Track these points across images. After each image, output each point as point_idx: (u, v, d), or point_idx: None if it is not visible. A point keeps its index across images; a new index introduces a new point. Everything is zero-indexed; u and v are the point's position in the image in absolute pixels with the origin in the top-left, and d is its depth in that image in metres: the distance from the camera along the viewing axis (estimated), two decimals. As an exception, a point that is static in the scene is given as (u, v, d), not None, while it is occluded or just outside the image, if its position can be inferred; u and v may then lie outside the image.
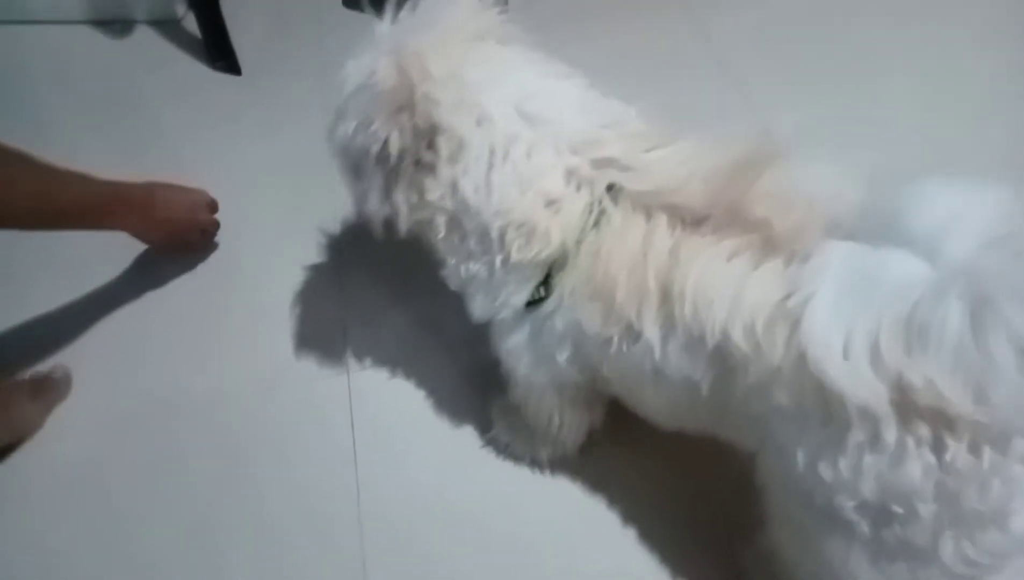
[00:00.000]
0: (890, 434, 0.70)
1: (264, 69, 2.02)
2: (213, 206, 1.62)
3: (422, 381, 1.41)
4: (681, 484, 1.22)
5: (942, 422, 0.69)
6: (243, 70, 2.02)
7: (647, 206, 0.87)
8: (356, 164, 0.98)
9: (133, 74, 2.06)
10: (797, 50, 1.87)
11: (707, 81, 1.84)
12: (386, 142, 0.92)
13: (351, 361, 1.45)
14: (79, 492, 1.34)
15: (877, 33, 1.88)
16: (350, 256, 1.58)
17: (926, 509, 0.72)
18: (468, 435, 1.34)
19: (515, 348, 1.03)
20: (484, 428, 1.33)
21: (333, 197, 1.32)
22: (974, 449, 0.69)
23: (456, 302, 1.07)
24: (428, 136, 0.92)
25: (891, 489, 0.73)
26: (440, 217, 0.96)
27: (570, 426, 1.18)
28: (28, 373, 1.45)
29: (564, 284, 0.92)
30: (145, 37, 2.15)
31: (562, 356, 0.98)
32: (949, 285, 0.66)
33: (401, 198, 0.97)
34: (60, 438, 1.41)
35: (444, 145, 0.92)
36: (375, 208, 0.99)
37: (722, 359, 0.82)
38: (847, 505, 0.76)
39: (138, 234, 1.51)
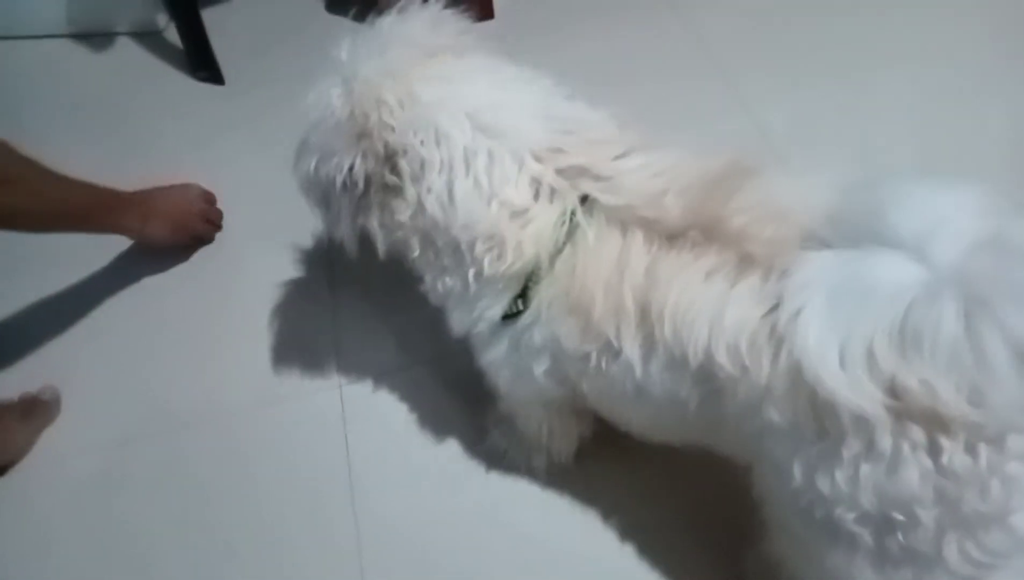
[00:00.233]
0: (885, 441, 0.69)
1: (247, 78, 2.01)
2: (209, 196, 1.64)
3: (416, 391, 1.40)
4: (680, 493, 1.21)
5: (936, 425, 0.68)
6: (226, 79, 2.02)
7: (622, 220, 0.87)
8: (323, 194, 0.99)
9: (116, 86, 2.06)
10: (788, 45, 1.87)
11: (697, 79, 1.84)
12: (351, 170, 0.93)
13: (344, 373, 1.44)
14: (71, 513, 1.33)
15: (868, 27, 1.88)
16: (340, 267, 1.57)
17: (927, 514, 0.71)
18: (464, 445, 1.33)
19: (494, 361, 1.03)
20: (480, 438, 1.32)
21: (318, 209, 1.31)
22: (970, 450, 0.68)
23: (444, 312, 1.06)
24: (390, 160, 0.93)
25: (890, 497, 0.72)
26: (413, 236, 0.97)
27: (560, 436, 1.18)
28: (17, 395, 1.43)
29: (541, 297, 0.92)
30: (127, 49, 2.15)
31: (540, 369, 0.98)
32: (942, 287, 0.65)
33: (374, 222, 0.98)
34: (52, 459, 1.40)
35: (406, 166, 0.92)
36: (346, 233, 1.00)
37: (707, 379, 0.81)
38: (848, 517, 0.75)
39: (142, 232, 1.52)
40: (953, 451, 0.68)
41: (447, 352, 1.37)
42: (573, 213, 0.89)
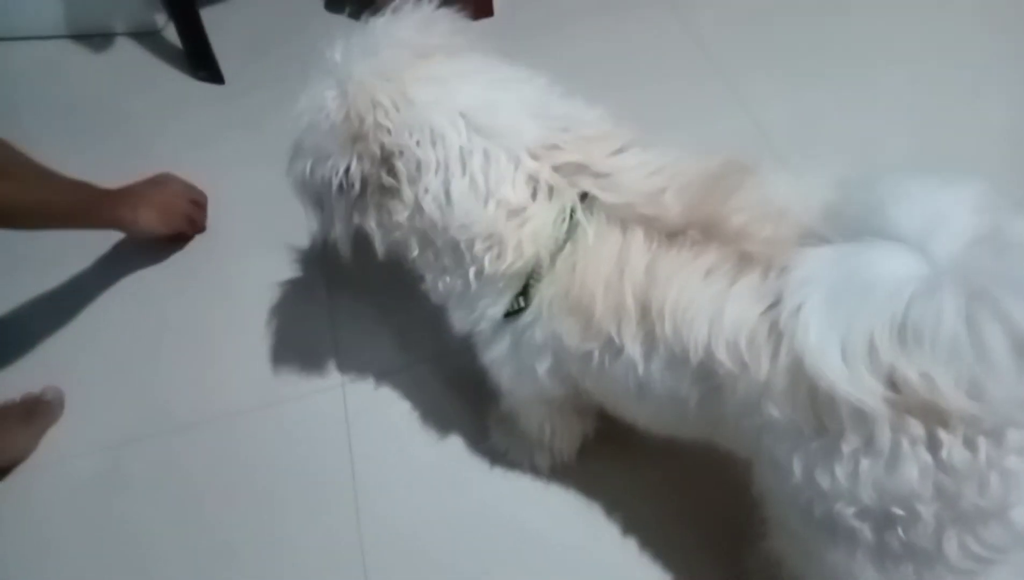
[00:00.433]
0: (884, 436, 0.69)
1: (247, 77, 2.01)
2: (186, 183, 1.68)
3: (418, 390, 1.40)
4: (682, 491, 1.21)
5: (936, 419, 0.68)
6: (226, 79, 2.02)
7: (622, 218, 0.87)
8: (317, 196, 0.99)
9: (115, 86, 2.06)
10: (787, 44, 1.87)
11: (696, 78, 1.84)
12: (347, 172, 0.93)
13: (345, 373, 1.44)
14: (75, 514, 1.33)
15: (866, 25, 1.88)
16: (339, 267, 1.57)
17: (926, 509, 0.71)
18: (466, 443, 1.33)
19: (496, 359, 1.04)
20: (482, 436, 1.32)
21: (318, 209, 1.31)
22: (969, 444, 0.68)
23: (445, 311, 1.07)
24: (386, 162, 0.93)
25: (890, 492, 0.72)
26: (411, 236, 0.97)
27: (562, 434, 1.19)
28: (19, 396, 1.43)
29: (542, 295, 0.92)
30: (126, 49, 2.15)
31: (542, 367, 0.98)
32: (943, 281, 0.65)
33: (372, 222, 0.98)
34: (54, 460, 1.40)
35: (403, 168, 0.92)
36: (341, 234, 1.00)
37: (707, 376, 0.81)
38: (847, 513, 0.76)
39: (135, 222, 1.54)
40: (952, 446, 0.68)
41: (448, 350, 1.38)
42: (573, 211, 0.89)
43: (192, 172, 1.75)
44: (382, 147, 0.92)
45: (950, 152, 1.53)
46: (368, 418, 1.38)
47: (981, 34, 1.82)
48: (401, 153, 0.92)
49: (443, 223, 0.92)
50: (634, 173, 0.89)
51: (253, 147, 1.79)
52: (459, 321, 1.04)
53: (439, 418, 1.36)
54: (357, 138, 0.92)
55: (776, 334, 0.74)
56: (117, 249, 1.67)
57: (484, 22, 2.03)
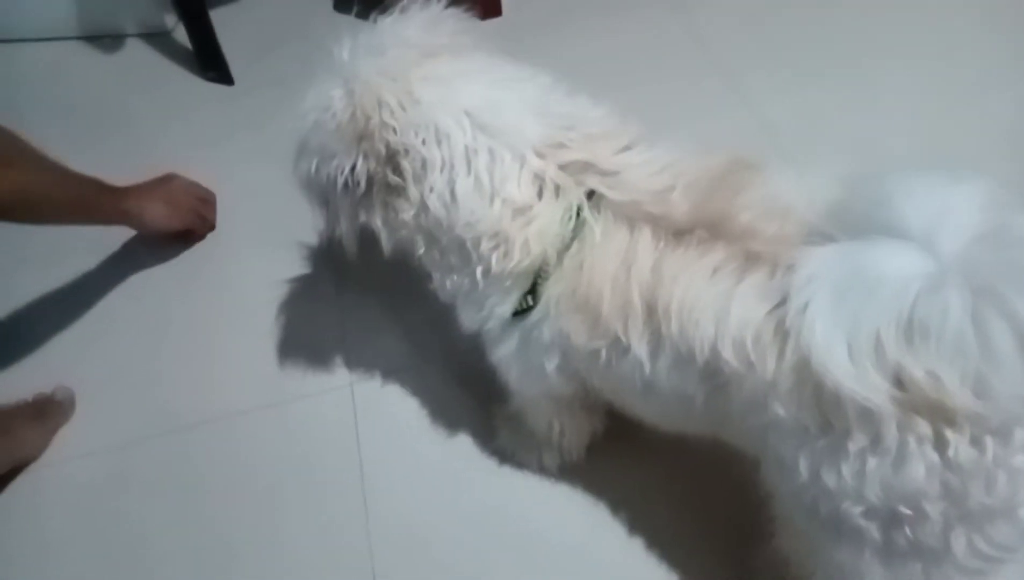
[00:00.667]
0: (891, 435, 0.69)
1: (256, 78, 2.02)
2: (192, 182, 1.68)
3: (426, 390, 1.40)
4: (691, 489, 1.21)
5: (942, 418, 0.67)
6: (235, 79, 2.03)
7: (629, 217, 0.87)
8: (323, 194, 0.99)
9: (125, 87, 2.07)
10: (790, 42, 1.87)
11: (701, 76, 1.84)
12: (352, 170, 0.94)
13: (354, 373, 1.44)
14: (87, 513, 1.34)
15: (870, 22, 1.88)
16: (347, 266, 1.57)
17: (934, 508, 0.71)
18: (474, 443, 1.33)
19: (505, 357, 1.04)
20: (490, 436, 1.32)
21: (326, 208, 1.32)
22: (976, 442, 0.68)
23: (453, 309, 1.07)
24: (392, 160, 0.93)
25: (897, 491, 0.71)
26: (417, 234, 0.98)
27: (571, 433, 1.19)
28: (31, 395, 1.44)
29: (550, 294, 0.92)
30: (136, 50, 2.16)
31: (550, 365, 0.98)
32: (948, 277, 0.65)
33: (378, 221, 0.99)
34: (66, 460, 1.41)
35: (408, 166, 0.93)
36: (346, 232, 1.01)
37: (714, 375, 0.81)
38: (854, 511, 0.75)
39: (141, 216, 1.55)
40: (959, 444, 0.68)
41: (456, 349, 1.37)
42: (579, 209, 0.90)
43: (201, 171, 1.76)
44: (387, 146, 0.92)
45: (955, 149, 1.52)
46: (376, 417, 1.38)
47: (985, 32, 1.81)
48: (407, 152, 0.92)
49: (448, 222, 0.92)
50: (641, 171, 0.89)
51: (261, 146, 1.79)
52: (467, 319, 1.04)
53: (447, 417, 1.36)
54: (363, 137, 0.93)
55: (782, 333, 0.74)
56: (126, 247, 1.68)
57: (493, 22, 2.04)
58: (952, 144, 1.55)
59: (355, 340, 1.49)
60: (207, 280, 1.63)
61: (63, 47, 2.18)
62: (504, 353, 1.03)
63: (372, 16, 1.01)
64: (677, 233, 0.84)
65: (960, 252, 0.66)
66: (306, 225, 1.58)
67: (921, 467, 0.69)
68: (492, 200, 0.90)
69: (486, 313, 0.99)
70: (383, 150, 0.93)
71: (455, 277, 0.99)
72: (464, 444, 1.33)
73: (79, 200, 1.41)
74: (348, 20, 2.07)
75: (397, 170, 0.94)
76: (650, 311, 0.84)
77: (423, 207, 0.94)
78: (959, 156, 1.49)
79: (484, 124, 0.91)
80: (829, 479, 0.75)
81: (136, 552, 1.29)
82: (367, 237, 1.04)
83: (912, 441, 0.69)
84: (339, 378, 1.44)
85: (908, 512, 0.72)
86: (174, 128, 1.93)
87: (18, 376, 1.50)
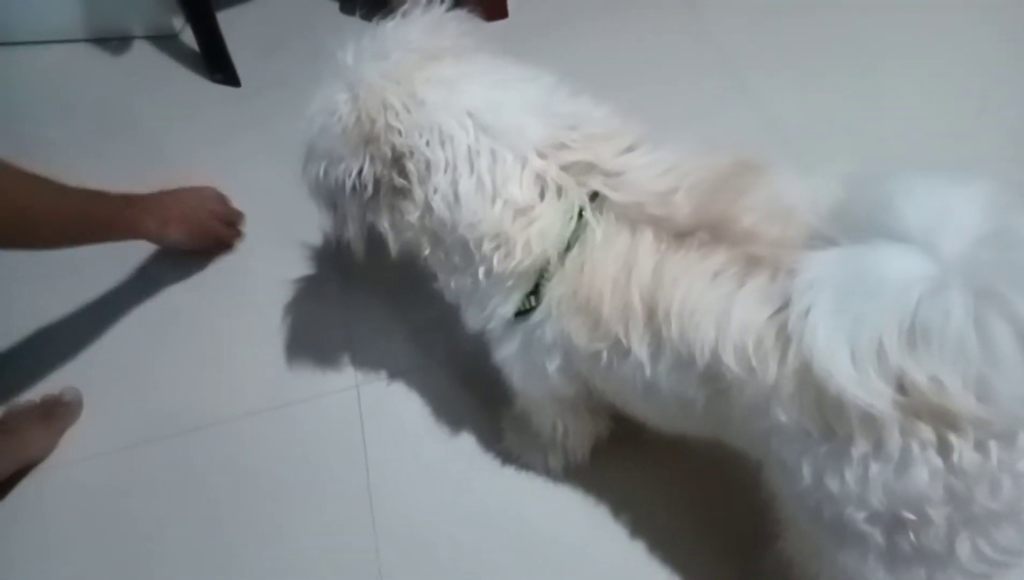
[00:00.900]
0: (894, 440, 0.69)
1: (263, 80, 2.02)
2: (223, 199, 1.64)
3: (432, 392, 1.40)
4: (696, 491, 1.21)
5: (945, 422, 0.67)
6: (242, 82, 2.03)
7: (632, 218, 0.87)
8: (331, 198, 1.00)
9: (132, 90, 2.07)
10: (798, 41, 1.86)
11: (709, 75, 1.83)
12: (360, 174, 0.94)
13: (360, 374, 1.45)
14: (93, 514, 1.34)
15: (878, 22, 1.87)
16: (353, 267, 1.58)
17: (938, 513, 0.71)
18: (480, 444, 1.33)
19: (508, 358, 1.04)
20: (495, 437, 1.32)
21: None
22: (980, 447, 0.67)
23: (459, 310, 1.07)
24: (397, 163, 0.94)
25: (900, 496, 0.71)
26: (422, 236, 0.98)
27: (575, 434, 1.19)
28: (38, 396, 1.45)
29: (552, 295, 0.92)
30: (143, 53, 2.17)
31: (552, 366, 0.98)
32: (950, 279, 0.64)
33: (385, 223, 0.99)
34: (73, 461, 1.41)
35: (413, 168, 0.93)
36: (354, 236, 1.02)
37: (715, 378, 0.81)
38: (858, 517, 0.75)
39: (161, 236, 1.54)
40: (963, 449, 0.67)
41: (462, 351, 1.38)
42: (581, 210, 0.90)
43: (209, 173, 1.76)
44: (393, 148, 0.93)
45: (959, 149, 1.52)
46: (382, 418, 1.38)
47: (992, 33, 1.80)
48: (411, 154, 0.93)
49: (452, 222, 0.93)
50: (644, 172, 0.89)
51: (268, 148, 1.80)
52: (471, 319, 1.05)
53: (453, 418, 1.36)
54: (369, 140, 0.93)
55: (784, 338, 0.73)
56: (132, 249, 1.67)
57: (498, 23, 2.03)
58: (956, 144, 1.54)
59: (361, 341, 1.49)
60: (214, 282, 1.63)
61: (70, 49, 2.19)
62: (506, 353, 1.03)
63: (376, 18, 1.01)
64: (679, 235, 0.84)
65: (962, 254, 0.65)
66: (313, 226, 1.59)
67: (924, 472, 0.69)
68: (494, 201, 0.90)
69: (489, 313, 0.99)
70: (389, 153, 0.93)
71: (458, 277, 1.00)
72: (470, 445, 1.33)
73: (84, 216, 1.36)
74: (354, 22, 2.07)
75: (402, 172, 0.94)
76: (650, 314, 0.84)
77: (427, 208, 0.94)
78: (963, 156, 1.48)
79: (486, 125, 0.91)
80: (832, 484, 0.74)
81: (142, 553, 1.29)
82: (374, 239, 1.04)
83: (915, 446, 0.68)
84: (345, 379, 1.44)
85: (912, 517, 0.72)
86: (181, 130, 1.93)
87: (26, 377, 1.51)
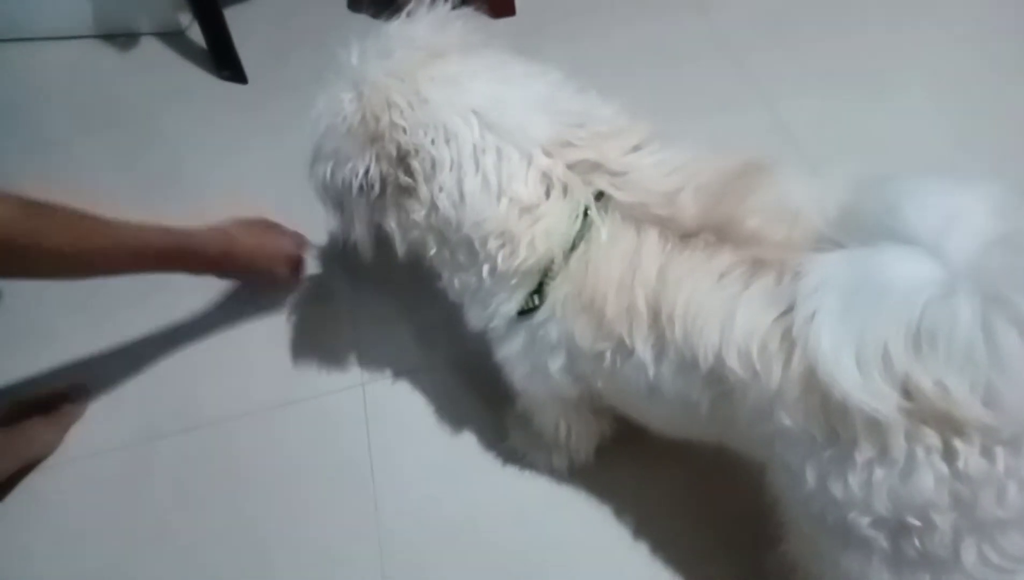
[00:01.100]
0: (899, 445, 0.68)
1: (269, 76, 2.03)
2: (299, 238, 1.53)
3: (438, 390, 1.40)
4: (698, 493, 1.21)
5: (951, 427, 0.67)
6: (249, 78, 2.03)
7: (637, 218, 0.87)
8: (338, 199, 1.00)
9: (140, 86, 2.08)
10: (810, 42, 1.86)
11: (718, 75, 1.83)
12: (366, 173, 0.94)
13: (366, 372, 1.45)
14: (98, 510, 1.35)
15: (890, 24, 1.86)
16: (359, 266, 1.57)
17: (943, 519, 0.70)
18: (485, 443, 1.33)
19: (510, 357, 1.04)
20: (500, 436, 1.32)
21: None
22: (986, 453, 0.67)
23: (463, 309, 1.07)
24: (403, 161, 0.94)
25: (905, 502, 0.71)
26: (428, 234, 0.98)
27: (578, 434, 1.18)
28: (43, 391, 1.45)
29: (556, 294, 0.92)
30: (150, 49, 2.17)
31: (555, 365, 0.98)
32: (958, 284, 0.64)
33: (391, 222, 0.99)
34: (78, 457, 1.41)
35: (419, 167, 0.93)
36: (362, 236, 1.01)
37: (718, 381, 0.81)
38: (862, 522, 0.75)
39: (221, 272, 1.46)
40: (968, 455, 0.67)
41: (468, 351, 1.38)
42: (587, 210, 0.89)
43: (215, 170, 1.77)
44: (398, 146, 0.93)
45: (969, 153, 1.51)
46: (387, 417, 1.39)
47: (1001, 36, 1.80)
48: (416, 152, 0.92)
49: (457, 221, 0.93)
50: (651, 172, 0.89)
51: (275, 145, 1.79)
52: (474, 318, 1.04)
53: (458, 418, 1.36)
54: (374, 139, 0.93)
55: (788, 341, 0.73)
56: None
57: (506, 21, 2.03)
58: (965, 147, 1.53)
59: (367, 340, 1.49)
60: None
61: (78, 46, 2.19)
62: (509, 352, 1.03)
63: (384, 16, 1.01)
64: (684, 236, 0.84)
65: (970, 258, 0.65)
66: (319, 225, 1.58)
67: (930, 478, 0.68)
68: (499, 198, 0.90)
69: (492, 311, 0.99)
70: (394, 151, 0.93)
71: (463, 275, 1.00)
72: (474, 444, 1.33)
73: (140, 251, 1.25)
74: (361, 19, 2.07)
75: (408, 171, 0.94)
76: (655, 315, 0.83)
77: (433, 207, 0.94)
78: (971, 159, 1.47)
79: (491, 123, 0.91)
80: (836, 489, 0.74)
81: (146, 549, 1.29)
82: (380, 240, 1.04)
83: (920, 452, 0.68)
84: (351, 378, 1.44)
85: (916, 523, 0.72)
86: (188, 127, 1.94)
87: (30, 372, 1.51)
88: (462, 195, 0.91)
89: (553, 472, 1.26)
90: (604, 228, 0.88)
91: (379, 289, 1.55)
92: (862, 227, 0.71)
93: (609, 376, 0.93)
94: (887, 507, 0.72)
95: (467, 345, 1.37)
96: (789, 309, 0.73)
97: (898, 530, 0.74)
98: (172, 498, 1.35)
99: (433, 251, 1.00)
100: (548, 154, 0.91)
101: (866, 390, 0.66)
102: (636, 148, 0.92)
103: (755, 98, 1.75)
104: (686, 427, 0.97)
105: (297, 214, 1.63)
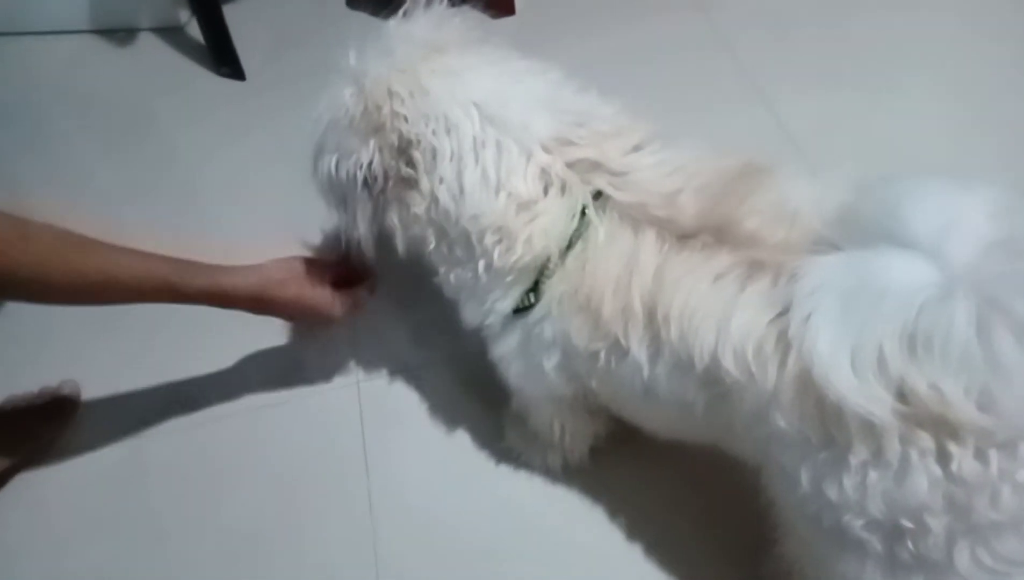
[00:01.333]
0: (893, 448, 0.68)
1: (268, 74, 2.02)
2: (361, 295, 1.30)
3: (434, 388, 1.40)
4: (698, 493, 1.20)
5: (945, 431, 0.67)
6: (247, 75, 2.02)
7: (635, 218, 0.87)
8: (341, 193, 1.00)
9: (138, 81, 2.08)
10: (811, 43, 1.86)
11: (719, 75, 1.83)
12: (369, 166, 0.94)
13: (361, 370, 1.44)
14: (92, 507, 1.34)
15: (892, 26, 1.86)
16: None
17: (937, 522, 0.70)
18: (480, 442, 1.33)
19: (505, 354, 1.04)
20: (495, 436, 1.31)
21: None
22: (980, 456, 0.67)
23: (458, 306, 1.07)
24: (405, 152, 0.94)
25: (899, 505, 0.71)
26: (428, 229, 0.98)
27: (573, 434, 1.18)
28: (37, 390, 1.44)
29: (552, 292, 0.92)
30: (149, 45, 2.17)
31: (550, 364, 0.98)
32: (955, 287, 0.64)
33: (393, 217, 0.99)
34: (74, 453, 1.41)
35: (420, 158, 0.93)
36: (364, 233, 1.02)
37: (713, 383, 0.81)
38: (856, 524, 0.75)
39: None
40: (963, 458, 0.67)
41: (464, 349, 1.37)
42: (585, 209, 0.89)
43: (212, 167, 1.77)
44: (400, 136, 0.93)
45: (969, 156, 1.51)
46: (383, 414, 1.38)
47: (1008, 39, 1.79)
48: (418, 142, 0.92)
49: (456, 214, 0.93)
50: (650, 173, 0.89)
51: (273, 142, 1.79)
52: (470, 315, 1.04)
53: (454, 416, 1.36)
54: (377, 129, 0.93)
55: (784, 343, 0.73)
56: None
57: (506, 20, 2.03)
58: (965, 151, 1.54)
59: (364, 337, 1.48)
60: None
61: (76, 40, 2.19)
62: (504, 350, 1.03)
63: (382, 14, 1.01)
64: (682, 237, 0.84)
65: (967, 262, 0.65)
66: (317, 222, 1.58)
67: (924, 481, 0.68)
68: (497, 193, 0.90)
69: (487, 308, 0.99)
70: (396, 140, 0.93)
71: (459, 271, 1.00)
72: (469, 443, 1.33)
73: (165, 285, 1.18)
74: (361, 17, 2.07)
75: (410, 162, 0.94)
76: (651, 315, 0.83)
77: (433, 199, 0.94)
78: (972, 163, 1.48)
79: (492, 116, 0.91)
80: (831, 491, 0.74)
81: (137, 549, 1.29)
82: (380, 237, 1.04)
83: (914, 454, 0.68)
84: (347, 375, 1.44)
85: (910, 526, 0.72)
86: (187, 123, 1.93)
87: (24, 370, 1.50)
88: (462, 188, 0.91)
89: (548, 472, 1.26)
90: (601, 228, 0.88)
91: (379, 282, 1.55)
92: (860, 229, 0.72)
93: (604, 376, 0.93)
94: (881, 509, 0.72)
95: (463, 344, 1.37)
96: (785, 311, 0.73)
97: (892, 533, 0.74)
98: (163, 498, 1.34)
99: (432, 246, 0.99)
100: (548, 151, 0.91)
101: (861, 393, 0.66)
102: (636, 148, 0.92)
103: (754, 98, 1.75)
104: (681, 428, 0.97)
105: (295, 212, 1.63)
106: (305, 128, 1.01)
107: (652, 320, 0.83)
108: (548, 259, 0.91)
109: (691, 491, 1.21)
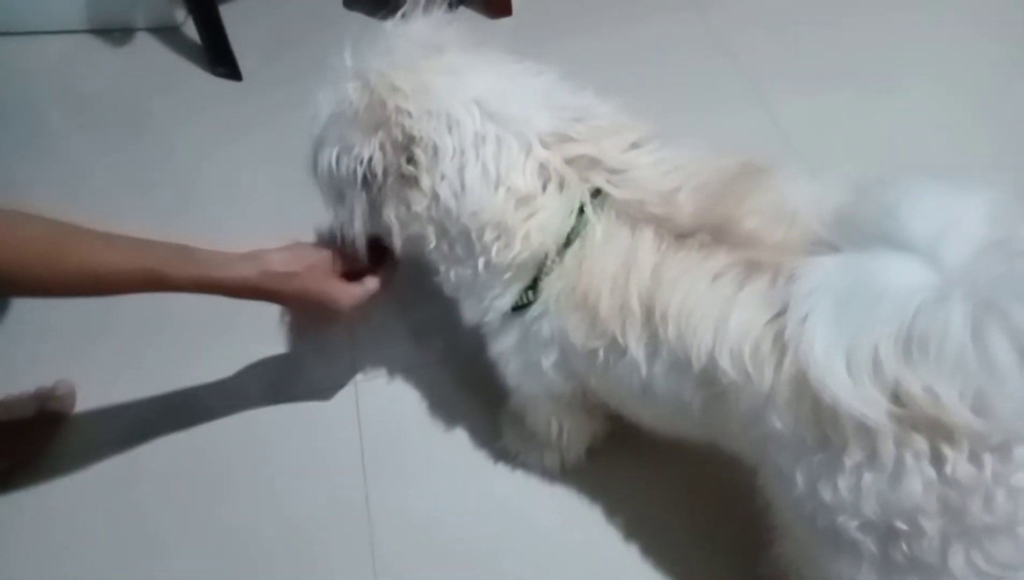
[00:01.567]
0: (887, 450, 0.69)
1: (264, 74, 2.02)
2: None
3: (431, 388, 1.40)
4: (692, 495, 1.20)
5: (940, 433, 0.67)
6: (244, 75, 2.02)
7: (632, 216, 0.87)
8: (339, 189, 0.99)
9: (134, 81, 2.07)
10: (809, 44, 1.86)
11: (717, 76, 1.84)
12: (370, 161, 0.94)
13: (358, 370, 1.44)
14: (87, 508, 1.34)
15: (890, 27, 1.87)
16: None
17: (931, 524, 0.70)
18: (478, 442, 1.33)
19: (504, 352, 1.04)
20: (493, 435, 1.31)
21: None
22: (975, 459, 0.67)
23: (458, 306, 1.07)
24: (406, 149, 0.93)
25: (893, 506, 0.71)
26: (428, 226, 0.97)
27: (571, 433, 1.18)
28: (32, 390, 1.44)
29: (550, 290, 0.92)
30: (145, 44, 2.16)
31: (548, 362, 0.98)
32: (951, 290, 0.64)
33: (392, 215, 0.98)
34: (69, 453, 1.40)
35: (422, 155, 0.93)
36: (358, 231, 1.01)
37: (710, 382, 0.81)
38: (850, 526, 0.75)
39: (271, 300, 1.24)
40: (957, 461, 0.67)
41: (462, 349, 1.37)
42: (583, 206, 0.89)
43: (207, 167, 1.76)
44: (403, 132, 0.93)
45: (967, 158, 1.52)
46: (380, 415, 1.38)
47: (1006, 41, 1.80)
48: (420, 139, 0.92)
49: (457, 210, 0.93)
50: (649, 171, 0.89)
51: (270, 142, 1.79)
52: (469, 312, 1.04)
53: (451, 417, 1.36)
54: (380, 124, 0.93)
55: (781, 344, 0.73)
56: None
57: (503, 21, 2.02)
58: (963, 152, 1.54)
59: (361, 338, 1.49)
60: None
61: (72, 40, 2.19)
62: (502, 347, 1.03)
63: (379, 14, 1.02)
64: (680, 236, 0.84)
65: (964, 265, 0.65)
66: (313, 221, 1.57)
67: (918, 483, 0.68)
68: (496, 188, 0.91)
69: (486, 305, 0.99)
70: (399, 136, 0.93)
71: (459, 269, 1.00)
72: (467, 443, 1.33)
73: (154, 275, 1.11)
74: (358, 17, 2.06)
75: (411, 159, 0.94)
76: (648, 314, 0.83)
77: (435, 197, 0.94)
78: (970, 165, 1.48)
79: (492, 112, 0.91)
80: (826, 493, 0.74)
81: (131, 550, 1.29)
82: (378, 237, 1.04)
83: (909, 457, 0.68)
84: (344, 375, 1.44)
85: (904, 528, 0.72)
86: (183, 123, 1.93)
87: (19, 370, 1.50)
88: (463, 185, 0.91)
89: (545, 472, 1.26)
90: (599, 225, 0.88)
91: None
92: (858, 231, 0.72)
93: (602, 374, 0.93)
94: (876, 511, 0.72)
95: (461, 344, 1.37)
96: (782, 311, 0.73)
97: (886, 535, 0.74)
98: (158, 498, 1.34)
99: (432, 244, 0.99)
100: (546, 146, 0.91)
101: (856, 395, 0.66)
102: (635, 145, 0.93)
103: (753, 98, 1.75)
104: (678, 426, 0.97)
105: (291, 211, 1.62)
106: (302, 128, 1.01)
107: (650, 319, 0.83)
108: (546, 256, 0.91)
109: (688, 492, 1.21)
